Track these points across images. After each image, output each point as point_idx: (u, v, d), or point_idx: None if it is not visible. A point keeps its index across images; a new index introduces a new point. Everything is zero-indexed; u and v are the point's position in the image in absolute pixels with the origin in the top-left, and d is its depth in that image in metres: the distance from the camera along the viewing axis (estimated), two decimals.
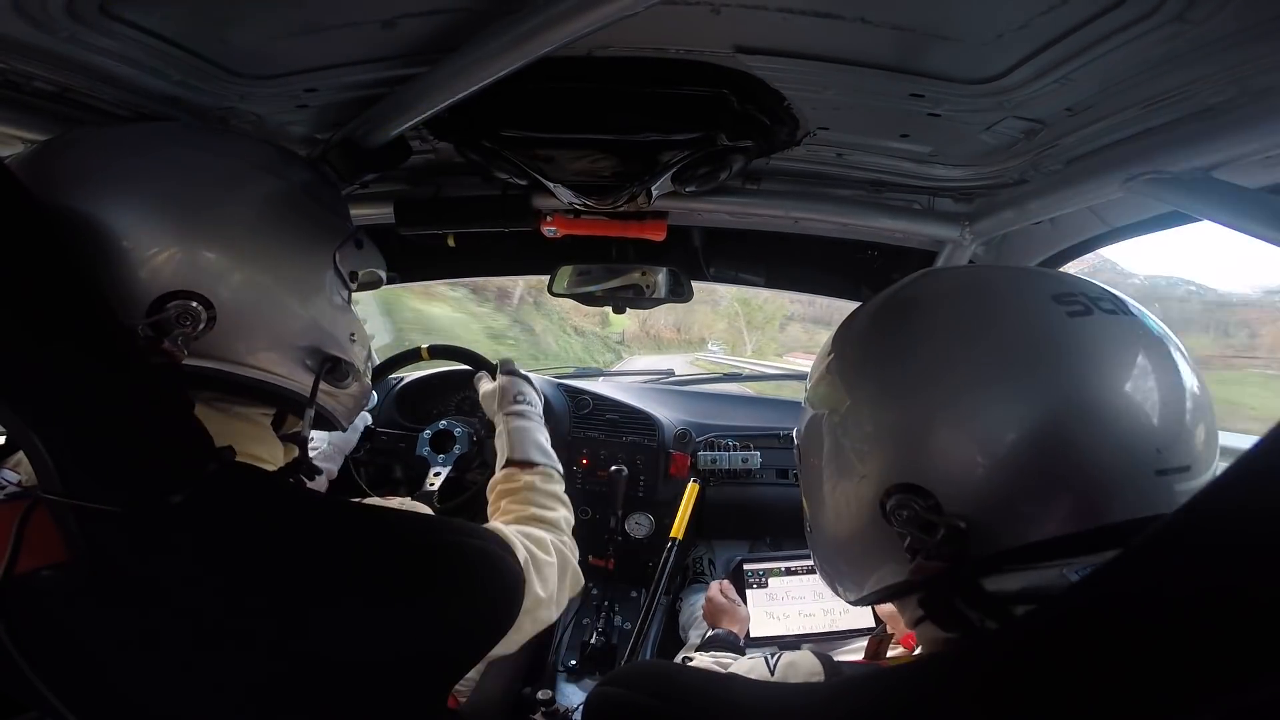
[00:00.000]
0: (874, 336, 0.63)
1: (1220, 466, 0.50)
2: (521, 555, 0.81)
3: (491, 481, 1.07)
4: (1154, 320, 0.56)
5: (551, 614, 0.86)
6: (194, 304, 0.65)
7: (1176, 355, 0.54)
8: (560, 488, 1.04)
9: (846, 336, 0.66)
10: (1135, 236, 1.11)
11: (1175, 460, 0.50)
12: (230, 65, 0.84)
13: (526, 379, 1.23)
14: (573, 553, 0.93)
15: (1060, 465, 0.50)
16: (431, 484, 1.48)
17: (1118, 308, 0.55)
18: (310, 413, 0.77)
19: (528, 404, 1.16)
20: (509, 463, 1.06)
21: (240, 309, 0.68)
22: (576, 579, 0.93)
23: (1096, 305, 0.54)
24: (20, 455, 0.68)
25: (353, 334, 0.81)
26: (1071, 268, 1.29)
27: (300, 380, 0.75)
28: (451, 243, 1.52)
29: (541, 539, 0.89)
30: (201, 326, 0.65)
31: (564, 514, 0.98)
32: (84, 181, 0.64)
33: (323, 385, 0.77)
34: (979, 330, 0.55)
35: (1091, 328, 0.53)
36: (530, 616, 0.80)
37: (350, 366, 0.79)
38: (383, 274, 0.87)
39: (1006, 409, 0.51)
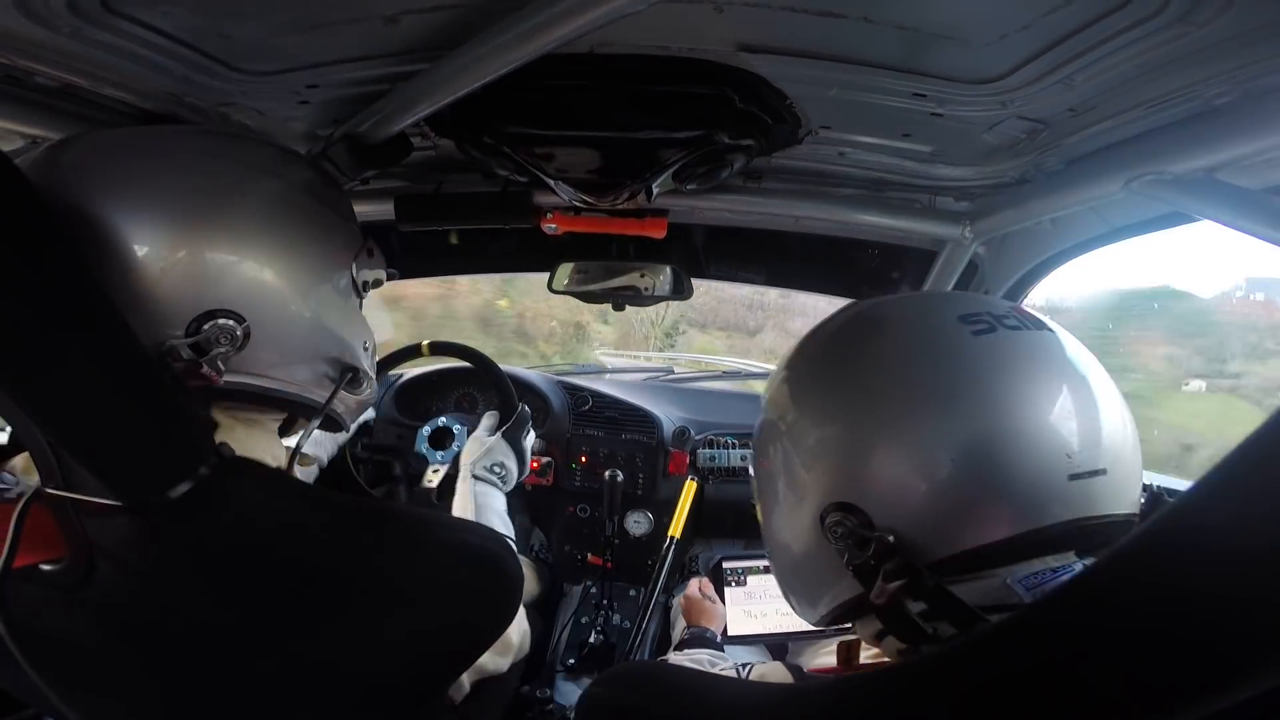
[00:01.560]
0: (823, 356, 0.66)
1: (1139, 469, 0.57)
2: None
3: None
4: (1062, 334, 0.59)
5: (503, 665, 0.86)
6: (232, 323, 0.64)
7: (1082, 365, 0.56)
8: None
9: (803, 352, 0.68)
10: (1136, 236, 1.12)
11: (1088, 464, 0.52)
12: (231, 61, 0.84)
13: (521, 453, 1.24)
14: (521, 619, 0.93)
15: (978, 477, 0.52)
16: (430, 481, 1.47)
17: (1023, 324, 0.57)
18: (316, 420, 0.77)
19: (500, 477, 1.19)
20: None
21: (271, 324, 0.68)
22: (525, 641, 0.94)
23: (1000, 323, 0.57)
24: (18, 457, 0.68)
25: (366, 342, 0.82)
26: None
27: (320, 389, 0.75)
28: (454, 239, 1.52)
29: None
30: (239, 345, 0.65)
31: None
32: (110, 189, 0.62)
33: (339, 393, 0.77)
34: (898, 356, 0.59)
35: (996, 344, 0.55)
36: (493, 657, 0.82)
37: (365, 374, 0.80)
38: (384, 277, 0.87)
39: (925, 428, 0.54)
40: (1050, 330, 0.58)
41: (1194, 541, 0.31)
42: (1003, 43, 0.70)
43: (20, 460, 0.67)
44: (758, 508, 0.70)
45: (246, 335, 0.65)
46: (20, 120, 0.85)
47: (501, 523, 1.11)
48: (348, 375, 0.77)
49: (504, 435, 1.23)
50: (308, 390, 0.74)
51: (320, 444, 1.39)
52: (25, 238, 0.54)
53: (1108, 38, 0.64)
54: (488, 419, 1.27)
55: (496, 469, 1.19)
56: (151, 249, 0.61)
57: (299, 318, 0.71)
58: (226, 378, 0.65)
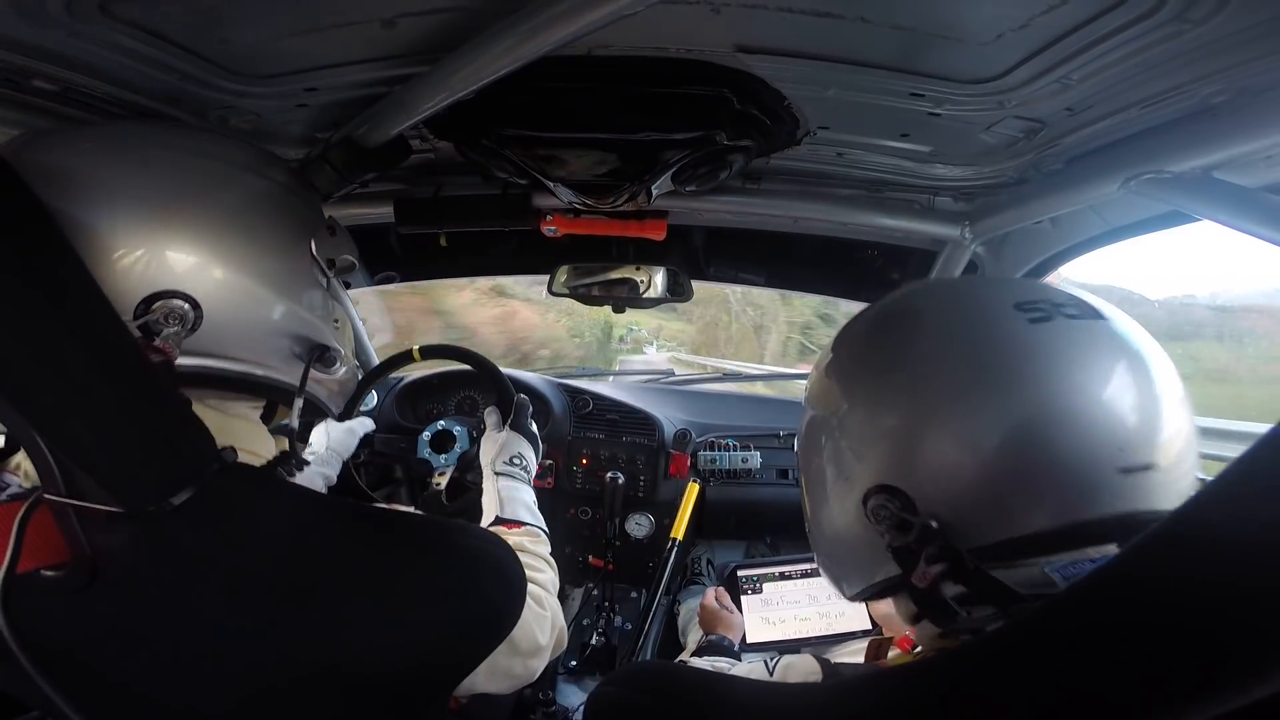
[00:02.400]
0: (868, 347, 0.66)
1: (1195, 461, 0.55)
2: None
3: None
4: (1125, 323, 0.57)
5: (539, 666, 0.84)
6: (181, 303, 0.64)
7: (1144, 356, 0.55)
8: (546, 549, 1.03)
9: (844, 344, 0.68)
10: (1136, 236, 1.11)
11: (1139, 458, 0.51)
12: (230, 64, 0.84)
13: (532, 437, 1.25)
14: (558, 615, 0.91)
15: (1025, 466, 0.51)
16: (438, 484, 1.48)
17: (1083, 313, 0.56)
18: (299, 402, 0.76)
19: (522, 467, 1.18)
20: (497, 520, 1.07)
21: (226, 305, 0.68)
22: (562, 638, 0.92)
23: (1059, 311, 0.55)
24: (19, 457, 0.68)
25: (336, 320, 0.81)
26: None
27: (290, 370, 0.75)
28: (444, 242, 1.51)
29: (539, 596, 0.88)
30: (190, 325, 0.65)
31: (550, 576, 0.97)
32: (60, 180, 0.62)
33: (311, 373, 0.76)
34: (950, 343, 0.58)
35: (1051, 333, 0.54)
36: (523, 661, 0.80)
37: (337, 352, 0.79)
38: (354, 259, 0.86)
39: (974, 415, 0.53)
40: (1111, 319, 0.56)
41: (1206, 537, 0.31)
42: (1000, 42, 0.70)
43: (20, 459, 0.67)
44: (804, 499, 0.70)
45: (199, 316, 0.65)
46: (18, 123, 0.85)
47: (530, 513, 1.10)
48: (315, 352, 0.76)
49: (511, 427, 1.23)
50: (276, 372, 0.73)
51: (326, 461, 1.38)
52: (27, 249, 0.54)
53: (1104, 36, 0.64)
54: (490, 417, 1.27)
55: (516, 460, 1.18)
56: (95, 236, 0.62)
57: (254, 297, 0.70)
58: (185, 360, 0.65)
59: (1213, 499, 0.32)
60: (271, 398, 0.77)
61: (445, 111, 0.86)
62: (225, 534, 0.60)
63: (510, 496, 1.11)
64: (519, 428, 1.24)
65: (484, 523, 1.09)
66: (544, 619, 0.85)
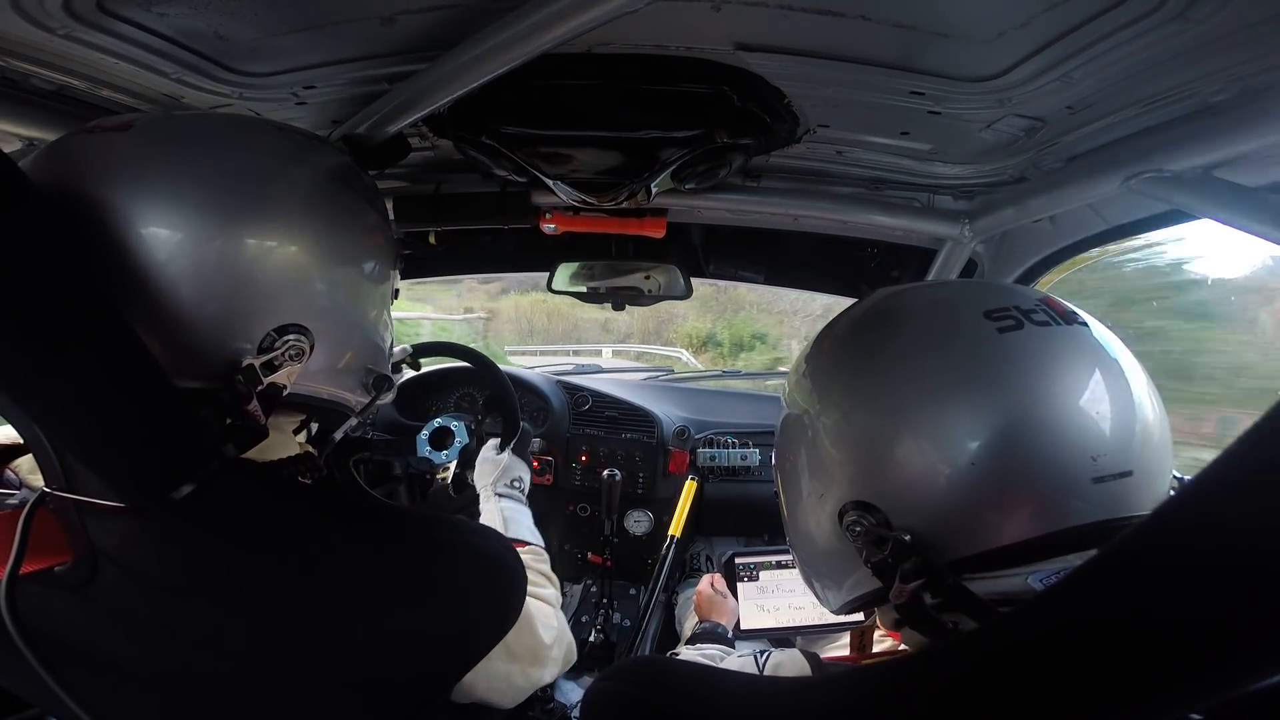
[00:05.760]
0: (845, 349, 0.66)
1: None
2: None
3: None
4: (1097, 329, 0.57)
5: (543, 677, 0.85)
6: (301, 338, 0.64)
7: (1115, 362, 0.55)
8: (547, 566, 1.06)
9: (824, 343, 0.68)
10: (1135, 235, 1.11)
11: (1113, 467, 0.51)
12: (228, 62, 0.84)
13: (528, 462, 1.31)
14: (565, 630, 0.93)
15: (1000, 476, 0.51)
16: (443, 478, 1.50)
17: (1051, 319, 0.56)
18: (349, 423, 0.78)
19: (520, 489, 1.25)
20: None
21: (331, 338, 0.67)
22: (571, 652, 0.93)
23: (1028, 318, 0.55)
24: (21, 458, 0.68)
25: (391, 347, 0.82)
26: None
27: (354, 395, 0.76)
28: (433, 240, 1.53)
29: (547, 611, 0.90)
30: (304, 362, 0.64)
31: (553, 592, 1.00)
32: (172, 196, 0.59)
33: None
34: (921, 351, 0.58)
35: (1021, 341, 0.54)
36: (523, 670, 0.80)
37: (391, 382, 0.80)
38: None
39: (947, 426, 0.53)
40: (1081, 325, 0.57)
41: (1182, 530, 0.31)
42: (1001, 40, 0.70)
43: (26, 461, 0.67)
44: (780, 501, 0.70)
45: (311, 348, 0.65)
46: (16, 122, 0.84)
47: (532, 534, 1.15)
48: (384, 384, 0.78)
49: (513, 450, 1.29)
50: (341, 398, 0.74)
51: None
52: (26, 243, 0.53)
53: (1105, 35, 0.64)
54: (492, 440, 1.33)
55: (516, 483, 1.25)
56: (224, 261, 0.59)
57: (355, 330, 0.71)
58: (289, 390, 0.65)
59: (1190, 495, 0.32)
60: (313, 416, 0.76)
61: (445, 109, 0.86)
62: (225, 529, 0.60)
63: (514, 519, 1.17)
64: (520, 453, 1.30)
65: None
66: (551, 630, 0.86)
